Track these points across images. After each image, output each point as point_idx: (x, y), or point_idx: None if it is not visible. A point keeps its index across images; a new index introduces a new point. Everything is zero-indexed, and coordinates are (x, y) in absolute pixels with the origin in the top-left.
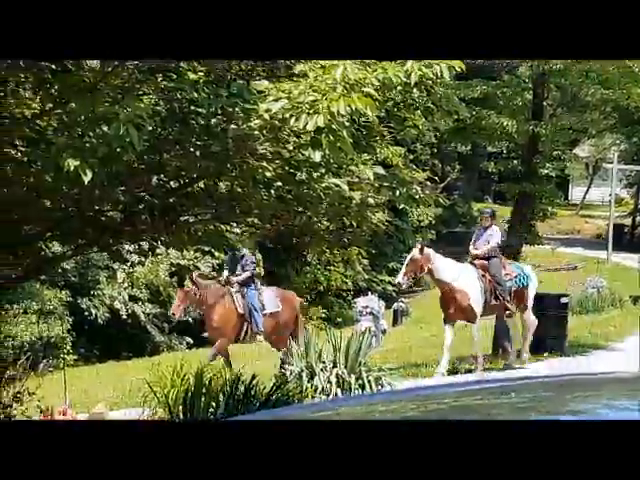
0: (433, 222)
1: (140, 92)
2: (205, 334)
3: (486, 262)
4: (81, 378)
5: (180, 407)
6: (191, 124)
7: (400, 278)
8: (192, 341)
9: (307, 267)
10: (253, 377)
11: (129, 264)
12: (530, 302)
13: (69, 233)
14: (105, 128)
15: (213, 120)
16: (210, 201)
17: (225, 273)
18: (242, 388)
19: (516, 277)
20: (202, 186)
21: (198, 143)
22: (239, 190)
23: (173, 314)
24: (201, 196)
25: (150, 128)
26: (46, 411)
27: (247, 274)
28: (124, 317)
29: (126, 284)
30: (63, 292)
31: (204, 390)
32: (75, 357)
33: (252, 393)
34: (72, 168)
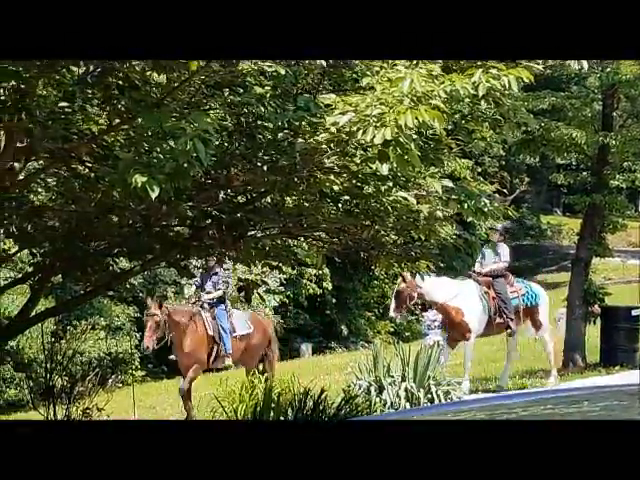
0: None
1: (207, 107)
2: (172, 357)
3: (491, 279)
4: (149, 394)
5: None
6: (258, 138)
7: (392, 313)
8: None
9: (375, 281)
10: (322, 391)
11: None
12: (544, 320)
13: (137, 249)
14: (172, 143)
15: (280, 134)
16: (277, 215)
17: (192, 289)
18: (311, 403)
19: (524, 295)
20: (269, 200)
21: (265, 157)
22: (306, 204)
23: (147, 347)
24: (268, 211)
25: (217, 143)
26: None
27: (219, 293)
28: None
29: (193, 299)
30: (131, 308)
31: (273, 405)
32: (143, 373)
33: (321, 407)
34: (139, 184)
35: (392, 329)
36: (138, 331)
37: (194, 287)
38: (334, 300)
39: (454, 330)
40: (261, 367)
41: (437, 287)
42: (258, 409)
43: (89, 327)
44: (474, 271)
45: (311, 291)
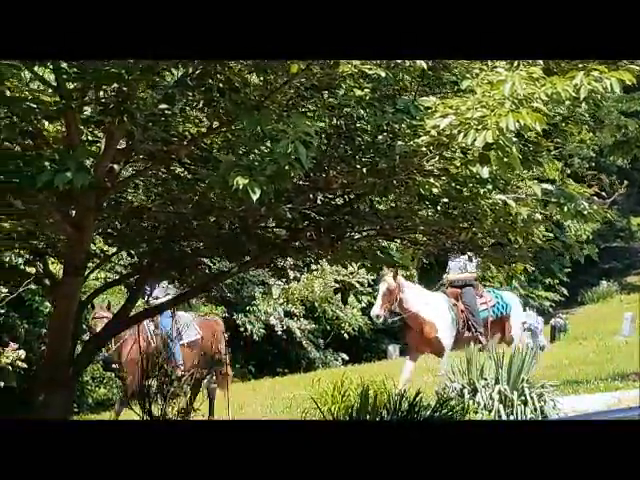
0: (591, 237)
1: (305, 109)
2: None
3: (459, 290)
4: (237, 394)
5: None
6: (357, 141)
7: (378, 310)
8: (347, 357)
9: None
10: (417, 393)
11: (284, 280)
12: (515, 331)
13: (234, 250)
14: (271, 145)
15: (379, 137)
16: (375, 217)
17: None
18: (406, 404)
19: (494, 306)
20: (367, 202)
21: (364, 160)
22: (404, 206)
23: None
24: (366, 213)
25: (316, 145)
26: None
27: (167, 298)
28: (279, 333)
29: (281, 300)
30: (219, 308)
31: (370, 407)
32: (231, 373)
33: (416, 409)
34: (241, 186)
35: None
36: (226, 331)
37: (146, 299)
38: None
39: (425, 345)
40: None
41: (414, 296)
42: (353, 410)
43: None
44: (442, 283)
45: None
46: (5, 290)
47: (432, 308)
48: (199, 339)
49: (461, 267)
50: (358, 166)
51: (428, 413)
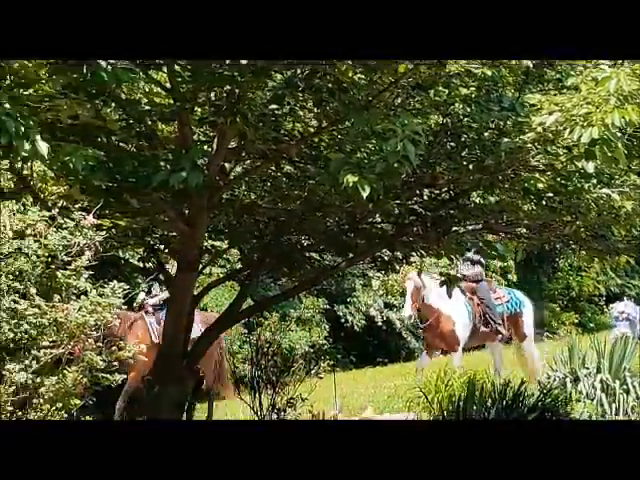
0: None
1: (412, 107)
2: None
3: (474, 285)
4: (339, 383)
5: (445, 412)
6: (463, 138)
7: (409, 310)
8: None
9: (559, 273)
10: (522, 383)
11: (383, 272)
12: (529, 330)
13: (342, 245)
14: (379, 144)
15: (485, 134)
16: (480, 212)
17: (142, 295)
18: (511, 394)
19: (508, 302)
20: (472, 198)
21: (470, 156)
22: (509, 201)
23: None
24: (472, 207)
25: (423, 142)
26: (317, 416)
27: (165, 294)
28: (379, 324)
29: (381, 292)
30: (320, 300)
31: (477, 396)
32: (332, 363)
33: (520, 398)
34: (351, 184)
35: (576, 320)
36: (328, 322)
37: (142, 294)
38: None
39: (440, 340)
40: (213, 374)
41: (434, 291)
42: (460, 400)
43: (293, 320)
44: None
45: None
46: (119, 285)
47: (450, 302)
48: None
49: (470, 262)
50: (464, 163)
51: (532, 401)
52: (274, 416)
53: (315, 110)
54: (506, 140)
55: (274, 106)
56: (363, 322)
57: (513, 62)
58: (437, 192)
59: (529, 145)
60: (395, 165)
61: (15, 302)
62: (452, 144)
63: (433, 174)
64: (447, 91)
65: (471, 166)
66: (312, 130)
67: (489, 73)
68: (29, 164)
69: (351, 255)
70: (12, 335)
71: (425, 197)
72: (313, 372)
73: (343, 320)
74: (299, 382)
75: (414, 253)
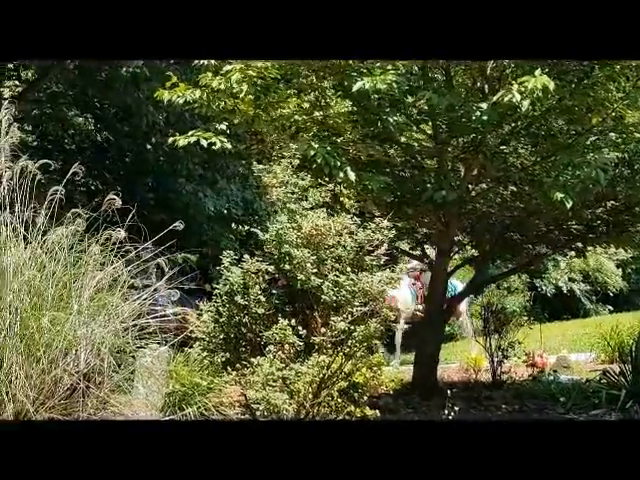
0: None
1: (598, 145)
2: None
3: (418, 273)
4: (534, 334)
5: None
6: (637, 166)
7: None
8: (612, 308)
9: None
10: None
11: (568, 257)
12: (463, 307)
13: (548, 239)
14: (572, 170)
15: None
16: None
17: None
18: None
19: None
20: None
21: None
22: None
23: None
24: None
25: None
26: (529, 355)
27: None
28: (565, 292)
29: (566, 270)
30: (523, 276)
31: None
32: (533, 319)
33: None
34: (559, 199)
35: None
36: (530, 291)
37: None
38: None
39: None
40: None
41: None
42: (631, 346)
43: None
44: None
45: None
46: (399, 267)
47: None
48: None
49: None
50: (637, 184)
51: None
52: (500, 355)
53: (531, 149)
54: None
55: (503, 147)
56: (553, 291)
57: None
58: (617, 204)
59: None
60: (590, 186)
61: (337, 276)
62: (628, 171)
63: (613, 192)
64: (625, 136)
65: None
66: (529, 163)
67: None
68: (340, 186)
69: (556, 247)
70: (335, 298)
71: (608, 207)
72: (524, 324)
73: (539, 289)
74: (517, 330)
75: (598, 245)
